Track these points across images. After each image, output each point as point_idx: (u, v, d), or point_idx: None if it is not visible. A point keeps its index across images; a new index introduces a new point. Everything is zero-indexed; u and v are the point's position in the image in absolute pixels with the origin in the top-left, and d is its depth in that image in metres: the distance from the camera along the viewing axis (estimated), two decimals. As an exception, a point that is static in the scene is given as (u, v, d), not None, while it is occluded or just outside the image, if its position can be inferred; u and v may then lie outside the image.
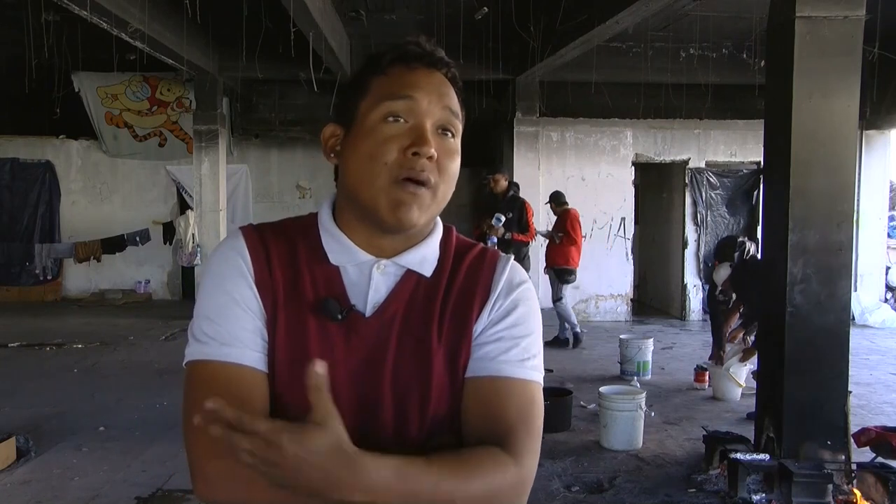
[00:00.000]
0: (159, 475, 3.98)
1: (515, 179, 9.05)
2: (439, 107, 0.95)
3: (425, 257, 0.99)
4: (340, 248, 0.98)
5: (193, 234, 9.61)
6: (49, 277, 10.76)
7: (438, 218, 1.03)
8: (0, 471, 3.99)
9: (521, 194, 7.91)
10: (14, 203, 10.69)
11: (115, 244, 10.31)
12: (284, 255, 0.98)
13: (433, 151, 0.92)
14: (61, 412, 5.17)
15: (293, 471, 0.76)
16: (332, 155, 1.00)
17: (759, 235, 8.14)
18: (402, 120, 0.93)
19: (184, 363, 0.95)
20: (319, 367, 0.77)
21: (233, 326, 0.93)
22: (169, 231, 10.51)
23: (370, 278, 0.97)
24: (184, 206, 10.54)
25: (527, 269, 6.81)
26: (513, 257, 1.06)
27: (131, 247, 10.35)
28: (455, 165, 0.97)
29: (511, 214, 6.52)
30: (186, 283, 10.87)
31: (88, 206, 10.93)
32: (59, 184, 10.85)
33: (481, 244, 1.07)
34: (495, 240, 6.37)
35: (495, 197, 6.63)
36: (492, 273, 1.01)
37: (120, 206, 10.93)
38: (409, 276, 0.98)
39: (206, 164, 9.38)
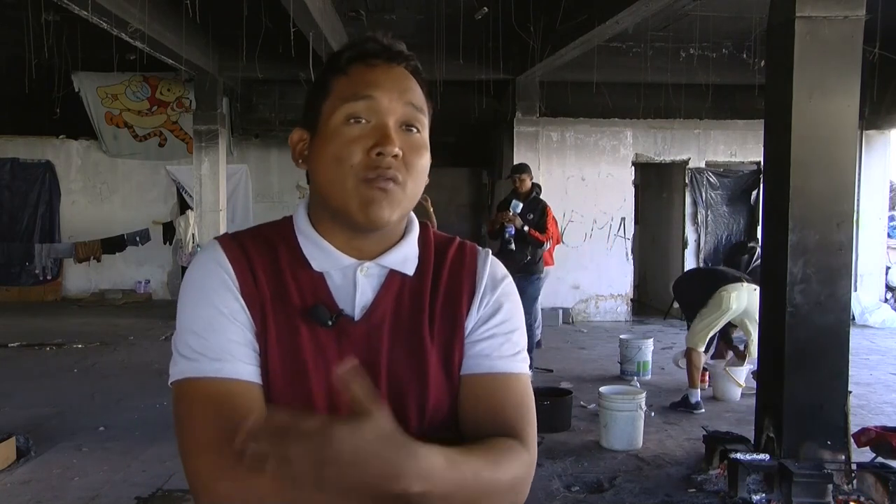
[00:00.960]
0: (159, 475, 3.98)
1: (516, 180, 9.07)
2: (401, 103, 0.94)
3: (406, 256, 1.00)
4: (322, 255, 0.97)
5: (193, 234, 9.61)
6: (49, 277, 10.75)
7: (413, 216, 1.04)
8: (0, 471, 3.99)
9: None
10: (14, 203, 10.68)
11: (115, 244, 10.31)
12: (267, 263, 0.97)
13: (397, 150, 0.92)
14: (61, 412, 5.17)
15: (351, 465, 0.72)
16: (301, 161, 1.00)
17: (759, 235, 8.15)
18: (363, 120, 0.93)
19: (170, 382, 0.92)
20: (344, 367, 0.75)
21: (222, 340, 0.91)
22: (169, 231, 10.51)
23: (355, 282, 0.97)
24: (184, 206, 10.54)
25: (539, 270, 6.78)
26: (490, 251, 1.06)
27: (131, 247, 10.35)
28: (423, 161, 0.96)
29: (532, 216, 6.50)
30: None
31: (88, 206, 10.93)
32: (59, 184, 10.84)
33: (457, 237, 1.07)
34: (513, 230, 6.32)
35: (517, 196, 6.61)
36: (474, 267, 1.02)
37: (120, 206, 10.92)
38: (393, 276, 0.98)
39: (206, 164, 9.37)
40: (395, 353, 0.95)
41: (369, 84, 0.94)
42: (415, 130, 0.96)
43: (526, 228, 6.41)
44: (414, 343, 0.96)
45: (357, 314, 0.96)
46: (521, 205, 6.36)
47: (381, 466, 0.73)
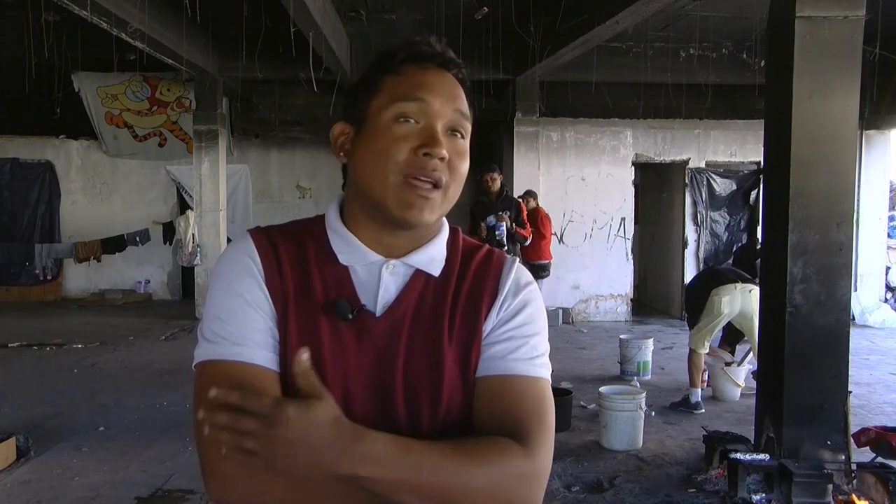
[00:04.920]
0: (159, 475, 3.98)
1: (515, 179, 9.08)
2: (450, 109, 0.97)
3: (433, 257, 1.01)
4: (350, 249, 0.99)
5: (193, 234, 9.61)
6: (49, 277, 10.76)
7: (444, 218, 1.05)
8: (0, 471, 3.99)
9: (521, 194, 7.90)
10: (14, 203, 10.69)
11: (115, 244, 10.31)
12: (293, 256, 0.99)
13: (445, 153, 0.94)
14: (61, 412, 5.17)
15: (298, 445, 0.79)
16: (342, 154, 1.01)
17: (759, 235, 8.15)
18: (413, 121, 0.95)
19: (193, 364, 0.95)
20: (304, 354, 0.82)
21: (244, 326, 0.94)
22: (169, 231, 10.51)
23: (380, 278, 0.98)
24: (184, 206, 10.54)
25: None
26: (518, 259, 1.08)
27: (131, 247, 10.35)
28: (465, 166, 0.99)
29: (509, 213, 6.50)
30: (186, 283, 10.87)
31: (88, 206, 10.93)
32: (59, 184, 10.85)
33: (487, 245, 1.08)
34: (503, 229, 6.33)
35: (488, 196, 6.59)
36: (499, 274, 1.02)
37: (120, 206, 10.93)
38: (418, 275, 1.00)
39: (206, 164, 9.38)
40: (413, 352, 0.96)
41: (422, 86, 0.96)
42: (459, 136, 0.98)
43: (514, 226, 6.44)
44: (432, 343, 0.97)
45: (379, 310, 0.97)
46: (494, 220, 6.37)
47: (328, 447, 0.80)
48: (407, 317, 0.97)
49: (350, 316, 0.95)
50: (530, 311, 1.00)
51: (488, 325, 0.99)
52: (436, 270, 1.00)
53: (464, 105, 0.99)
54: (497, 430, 0.93)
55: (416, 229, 0.97)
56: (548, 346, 1.02)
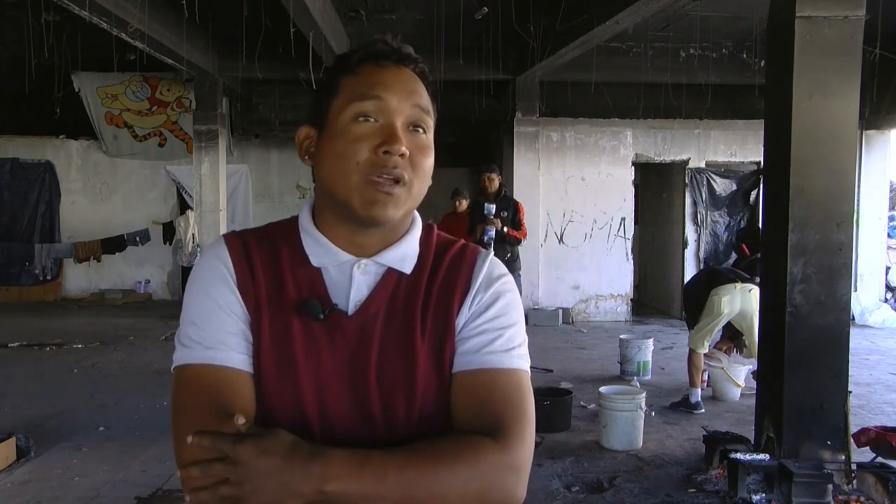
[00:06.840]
0: (159, 475, 3.98)
1: (515, 179, 9.09)
2: (409, 104, 0.97)
3: (405, 255, 1.01)
4: (321, 250, 1.00)
5: (193, 234, 9.62)
6: (49, 277, 10.76)
7: (418, 215, 1.05)
8: (0, 471, 3.99)
9: (521, 194, 7.89)
10: (14, 203, 10.69)
11: (115, 244, 10.31)
12: (267, 259, 1.00)
13: (404, 149, 0.94)
14: (61, 412, 5.17)
15: (261, 477, 0.81)
16: (307, 157, 1.02)
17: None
18: (372, 119, 0.95)
19: (171, 368, 0.97)
20: (240, 420, 0.84)
21: (217, 330, 0.95)
22: (169, 231, 10.52)
23: (351, 277, 0.99)
24: (184, 206, 10.55)
25: (518, 268, 6.76)
26: (493, 252, 1.08)
27: (131, 247, 10.36)
28: (429, 161, 0.99)
29: (506, 213, 6.49)
30: (186, 283, 10.86)
31: (88, 206, 10.93)
32: (59, 184, 10.85)
33: (462, 241, 1.08)
34: (492, 233, 6.31)
35: (486, 196, 6.59)
36: (471, 268, 1.03)
37: (120, 206, 10.93)
38: (390, 273, 1.00)
39: (206, 164, 9.38)
40: (386, 350, 0.97)
41: (378, 84, 0.96)
42: (421, 131, 0.98)
43: (505, 229, 6.41)
44: (404, 339, 0.97)
45: (351, 309, 0.98)
46: (493, 207, 6.35)
47: (289, 471, 0.82)
48: (379, 314, 0.98)
49: (321, 316, 0.96)
50: (504, 303, 1.01)
51: (461, 320, 0.99)
52: (408, 268, 1.01)
53: (423, 100, 0.99)
54: (475, 424, 0.93)
55: (385, 226, 0.98)
56: (525, 337, 1.02)
